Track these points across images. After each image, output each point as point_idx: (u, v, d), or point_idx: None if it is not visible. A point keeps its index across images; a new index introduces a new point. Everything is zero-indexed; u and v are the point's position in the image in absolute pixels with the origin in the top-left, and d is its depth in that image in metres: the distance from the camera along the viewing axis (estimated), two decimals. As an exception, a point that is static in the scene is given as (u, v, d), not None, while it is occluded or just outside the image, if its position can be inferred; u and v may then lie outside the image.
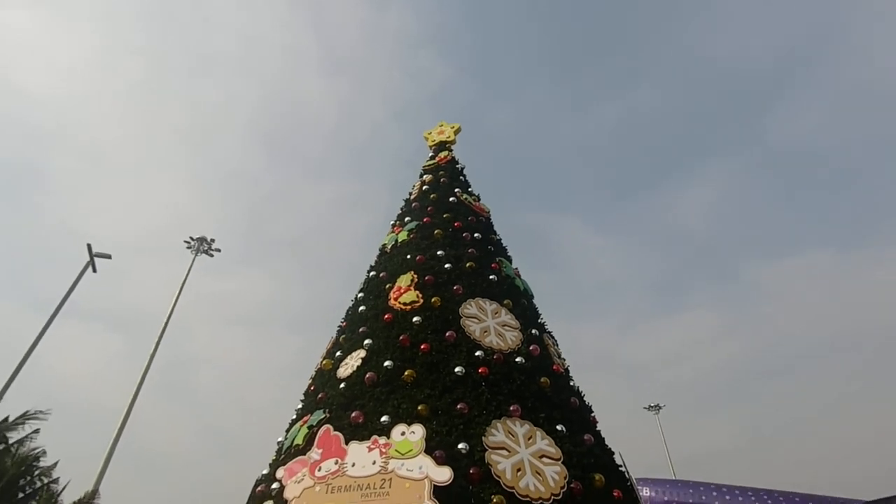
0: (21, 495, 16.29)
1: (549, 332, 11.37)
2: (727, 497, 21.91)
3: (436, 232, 12.25)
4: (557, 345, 11.37)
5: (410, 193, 15.03)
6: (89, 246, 20.02)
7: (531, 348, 9.72)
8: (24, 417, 14.68)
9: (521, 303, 11.21)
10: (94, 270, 20.33)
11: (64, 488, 20.28)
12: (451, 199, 13.64)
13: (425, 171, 15.58)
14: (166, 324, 25.54)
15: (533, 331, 10.41)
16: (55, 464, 18.69)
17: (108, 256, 20.78)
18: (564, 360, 11.01)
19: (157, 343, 24.68)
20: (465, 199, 13.96)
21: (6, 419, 14.47)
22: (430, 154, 16.48)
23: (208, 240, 31.04)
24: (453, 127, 17.13)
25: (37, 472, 17.00)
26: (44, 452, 16.85)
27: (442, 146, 16.54)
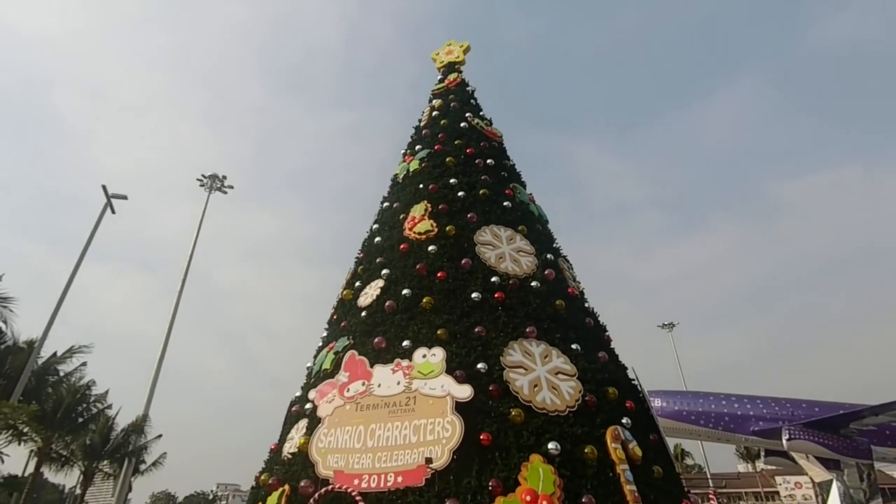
0: (80, 420, 17.94)
1: (564, 257, 11.44)
2: (736, 405, 22.94)
3: (448, 160, 12.00)
4: (572, 268, 11.47)
5: (420, 120, 14.57)
6: (104, 188, 20.24)
7: (546, 273, 9.83)
8: (71, 352, 15.79)
9: (535, 228, 11.18)
10: (113, 211, 20.70)
11: (117, 413, 22.26)
12: (462, 124, 13.22)
13: (434, 96, 14.98)
14: (190, 260, 26.33)
15: (548, 255, 10.47)
16: (106, 392, 20.37)
17: (125, 197, 21.04)
18: (579, 283, 11.15)
19: (184, 278, 25.60)
20: (477, 123, 13.50)
21: (55, 354, 15.57)
22: (439, 76, 15.75)
23: (220, 177, 31.06)
24: (462, 46, 16.18)
25: (92, 400, 18.59)
26: (94, 382, 18.31)
27: (451, 67, 15.74)
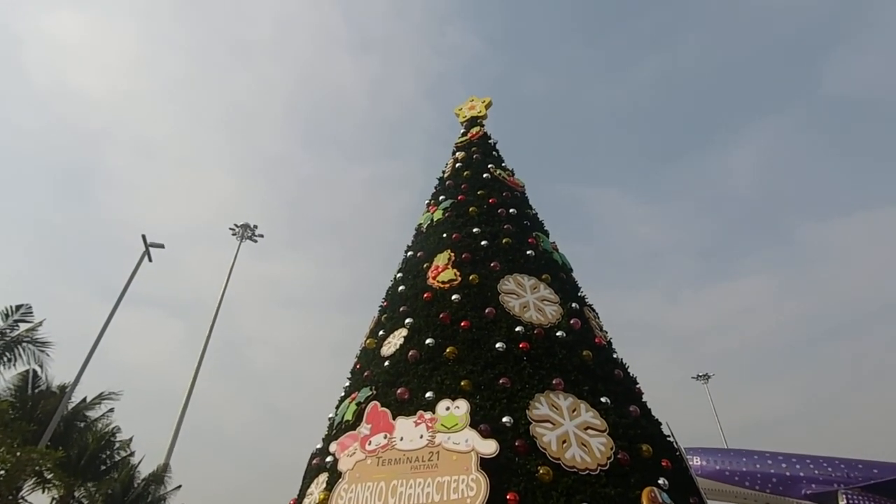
0: (103, 468, 17.94)
1: (590, 305, 11.24)
2: (783, 465, 21.37)
3: (471, 209, 12.20)
4: (599, 317, 11.24)
5: (444, 171, 14.97)
6: (144, 237, 21.21)
7: (572, 322, 9.65)
8: (100, 398, 16.04)
9: (559, 276, 11.09)
10: (150, 259, 21.55)
11: (140, 461, 22.23)
12: (484, 175, 13.51)
13: (458, 148, 15.45)
14: (218, 308, 26.91)
15: (573, 304, 10.31)
16: (130, 439, 20.45)
17: (162, 246, 21.94)
18: (607, 332, 10.88)
19: (212, 326, 26.08)
20: (499, 174, 13.78)
21: (84, 400, 15.84)
22: (462, 130, 16.30)
23: (252, 226, 32.22)
24: (484, 101, 16.82)
25: (116, 447, 18.66)
26: (119, 429, 18.43)
27: (473, 121, 16.31)
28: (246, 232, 32.03)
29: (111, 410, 17.87)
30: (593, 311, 11.19)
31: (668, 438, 8.94)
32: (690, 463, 9.51)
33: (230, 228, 31.93)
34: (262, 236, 32.44)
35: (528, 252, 11.14)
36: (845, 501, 19.25)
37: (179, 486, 23.45)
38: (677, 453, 8.75)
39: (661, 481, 7.39)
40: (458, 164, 14.43)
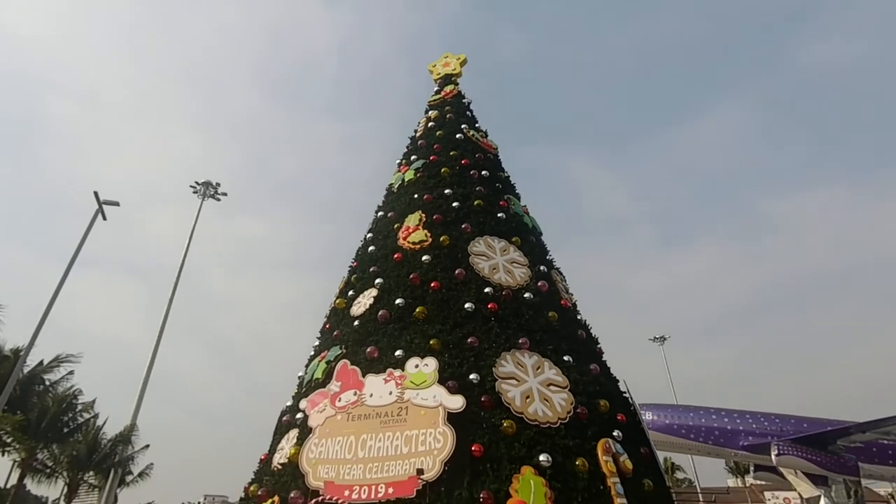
0: (66, 430, 17.61)
1: (558, 269, 11.53)
2: (726, 419, 23.03)
3: (443, 170, 12.11)
4: (565, 280, 11.56)
5: (416, 131, 14.70)
6: (96, 194, 20.03)
7: (539, 284, 9.90)
8: (58, 360, 15.56)
9: (529, 240, 11.28)
10: (105, 218, 20.50)
11: (105, 423, 21.87)
12: (457, 135, 13.35)
13: (430, 107, 15.14)
14: (181, 269, 26.16)
15: (541, 267, 10.55)
16: (93, 401, 20.02)
17: (117, 204, 20.85)
18: (572, 294, 11.23)
19: (174, 288, 25.42)
20: (473, 135, 13.65)
21: (41, 363, 15.33)
22: (436, 88, 15.93)
23: (214, 184, 30.97)
24: (458, 58, 16.41)
25: (78, 409, 18.27)
26: (81, 391, 18.01)
27: (447, 79, 15.94)
28: (208, 190, 30.73)
29: (71, 373, 17.40)
30: (560, 273, 11.49)
31: (624, 395, 9.48)
32: (643, 417, 10.14)
33: (191, 186, 30.55)
34: (225, 195, 31.24)
35: (500, 215, 11.23)
36: (776, 451, 21.08)
37: (147, 446, 23.31)
38: (632, 409, 9.31)
39: (615, 433, 7.88)
40: (430, 124, 14.18)
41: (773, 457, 20.94)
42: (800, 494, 23.90)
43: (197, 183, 30.69)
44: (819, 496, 20.79)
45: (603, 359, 10.00)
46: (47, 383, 15.63)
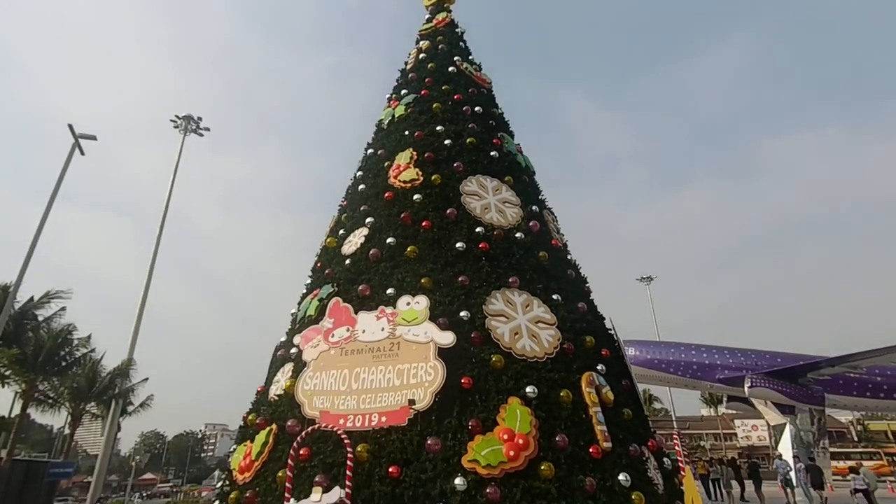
0: (63, 364, 18.01)
1: (550, 209, 11.47)
2: (704, 354, 24.07)
3: (434, 106, 11.67)
4: (557, 220, 11.55)
5: (406, 63, 14.00)
6: (71, 127, 19.16)
7: (531, 224, 9.88)
8: (48, 297, 15.59)
9: (522, 179, 11.12)
10: (82, 153, 19.75)
11: (102, 357, 22.40)
12: (450, 68, 12.75)
13: (422, 37, 14.34)
14: (167, 205, 25.74)
15: (533, 207, 10.48)
16: (89, 336, 20.37)
17: (94, 138, 20.02)
18: (563, 235, 11.27)
19: (162, 222, 25.14)
20: (466, 68, 13.04)
21: (31, 299, 15.35)
22: (427, 16, 15.01)
23: (196, 118, 29.80)
24: (451, -18, 15.33)
25: (75, 344, 18.59)
26: (75, 327, 18.24)
27: (440, 6, 14.99)
28: (189, 125, 29.56)
29: (63, 309, 17.51)
30: (552, 213, 11.45)
31: (609, 332, 9.79)
32: (626, 353, 10.54)
33: (171, 121, 29.35)
34: (207, 129, 30.11)
35: (492, 153, 10.98)
36: (749, 384, 22.29)
37: (146, 379, 24.09)
38: (616, 345, 9.65)
39: (599, 367, 8.21)
40: (422, 56, 13.49)
41: (745, 389, 22.15)
42: (767, 422, 25.60)
43: (177, 117, 29.52)
44: (785, 424, 22.26)
45: (591, 297, 10.21)
46: (40, 319, 15.74)
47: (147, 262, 24.17)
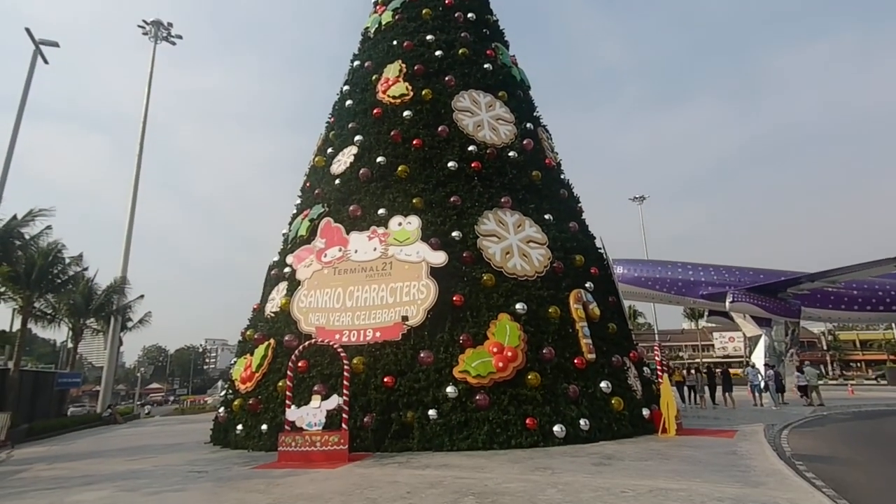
0: (57, 281, 18.12)
1: (544, 126, 11.07)
2: (690, 272, 24.74)
3: (424, 12, 10.79)
4: (551, 138, 11.21)
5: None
6: (28, 31, 17.56)
7: (524, 143, 9.58)
8: (32, 215, 15.24)
9: (516, 94, 10.60)
10: (46, 61, 18.33)
11: (95, 275, 22.54)
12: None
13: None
14: (145, 120, 24.62)
15: (528, 124, 10.10)
16: (80, 255, 20.29)
17: (56, 44, 18.46)
18: (557, 154, 10.99)
19: (142, 138, 24.22)
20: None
21: (14, 217, 15.03)
22: None
23: (166, 24, 27.51)
24: None
25: (67, 263, 18.59)
26: (65, 246, 18.11)
27: None
28: (160, 32, 27.24)
29: (49, 228, 17.21)
30: (547, 131, 11.08)
31: (599, 251, 9.90)
32: (614, 271, 10.73)
33: (139, 26, 27.00)
34: (180, 37, 27.78)
35: (486, 66, 10.35)
36: (731, 299, 23.14)
37: (142, 296, 24.53)
38: (605, 263, 9.80)
39: (587, 285, 8.41)
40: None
41: (727, 303, 23.05)
42: (744, 334, 26.98)
43: (145, 22, 27.23)
44: (760, 335, 23.49)
45: (583, 217, 10.20)
46: (27, 237, 15.54)
47: (129, 179, 23.55)
